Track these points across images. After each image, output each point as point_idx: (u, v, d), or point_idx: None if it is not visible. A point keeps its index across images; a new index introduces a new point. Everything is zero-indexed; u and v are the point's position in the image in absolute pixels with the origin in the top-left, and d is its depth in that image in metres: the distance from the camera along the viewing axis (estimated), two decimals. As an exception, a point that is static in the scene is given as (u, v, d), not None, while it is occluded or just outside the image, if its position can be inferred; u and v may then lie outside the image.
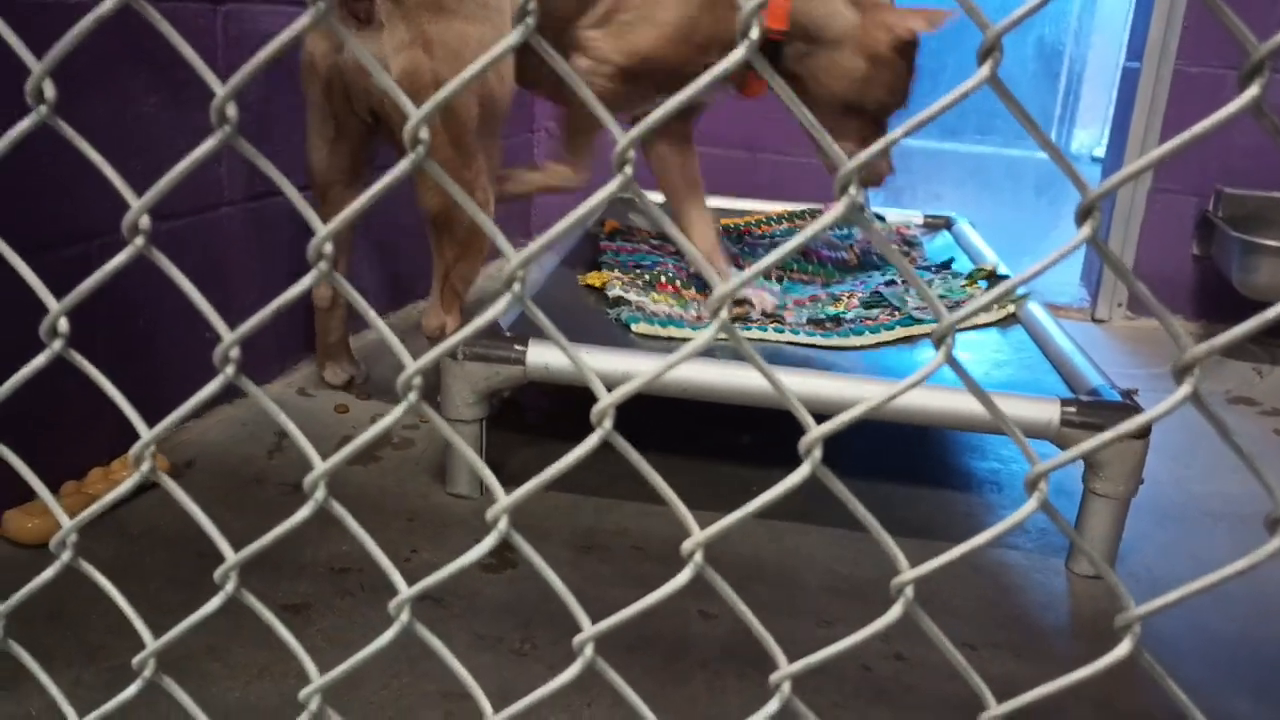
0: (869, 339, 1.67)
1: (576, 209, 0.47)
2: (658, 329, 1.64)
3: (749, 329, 1.66)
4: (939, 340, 0.46)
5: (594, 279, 1.87)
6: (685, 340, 1.62)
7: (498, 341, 1.48)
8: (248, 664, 1.11)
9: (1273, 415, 2.13)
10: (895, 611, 0.48)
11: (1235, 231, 2.40)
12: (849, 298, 1.86)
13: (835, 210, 0.46)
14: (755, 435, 1.83)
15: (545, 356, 1.47)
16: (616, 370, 1.44)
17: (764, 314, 1.76)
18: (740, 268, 2.02)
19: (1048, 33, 3.01)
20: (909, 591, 0.47)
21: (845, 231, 2.38)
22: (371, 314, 0.51)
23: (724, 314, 0.46)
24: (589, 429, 0.48)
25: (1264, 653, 1.28)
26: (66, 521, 0.58)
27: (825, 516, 1.51)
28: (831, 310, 1.79)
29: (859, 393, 1.41)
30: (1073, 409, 1.39)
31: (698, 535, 0.49)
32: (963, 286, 1.94)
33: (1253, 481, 1.69)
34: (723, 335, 0.47)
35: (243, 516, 1.43)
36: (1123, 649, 0.47)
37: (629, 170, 0.46)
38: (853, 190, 0.45)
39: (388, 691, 1.08)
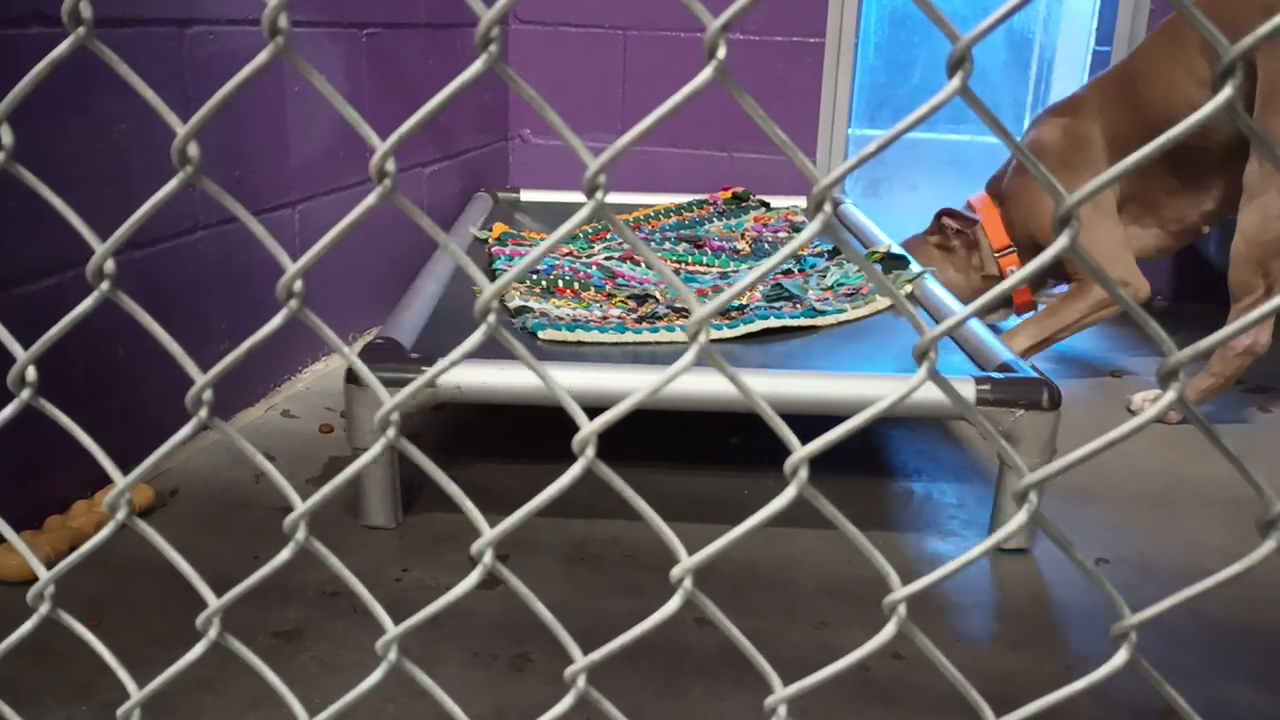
0: (774, 323, 1.67)
1: (550, 235, 0.46)
2: (565, 334, 1.60)
3: (656, 330, 1.63)
4: (921, 355, 0.46)
5: None
6: (595, 344, 1.59)
7: (404, 364, 1.41)
8: (241, 695, 1.10)
9: (1256, 392, 2.14)
10: (889, 630, 0.47)
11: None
12: (749, 290, 1.84)
13: (811, 227, 0.45)
14: (743, 437, 1.82)
15: (456, 376, 1.40)
16: (573, 387, 1.40)
17: (671, 309, 1.73)
18: (636, 263, 2.00)
19: (1017, 22, 3.02)
20: (902, 610, 0.47)
21: (737, 221, 2.37)
22: (345, 349, 0.50)
23: (703, 338, 0.45)
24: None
25: (1262, 639, 1.28)
26: (43, 572, 0.57)
27: (817, 520, 1.51)
28: (735, 302, 1.78)
29: (829, 391, 1.40)
30: (987, 386, 1.39)
31: (686, 562, 0.48)
32: (857, 271, 1.92)
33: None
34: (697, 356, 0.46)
35: (230, 543, 1.41)
36: (1119, 658, 0.47)
37: (600, 196, 0.45)
38: (827, 207, 0.44)
39: (383, 717, 1.07)
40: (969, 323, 1.66)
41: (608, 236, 2.20)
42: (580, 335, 1.61)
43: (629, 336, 1.61)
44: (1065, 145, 2.11)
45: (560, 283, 1.84)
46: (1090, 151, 2.09)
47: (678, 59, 2.77)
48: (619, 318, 1.69)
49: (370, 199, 0.46)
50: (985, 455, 1.79)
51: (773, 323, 1.67)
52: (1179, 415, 1.92)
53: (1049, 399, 1.39)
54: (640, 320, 1.68)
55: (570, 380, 1.40)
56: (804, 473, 0.47)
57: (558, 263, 1.95)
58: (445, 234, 0.45)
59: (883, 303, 1.80)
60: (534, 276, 1.85)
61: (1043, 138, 2.15)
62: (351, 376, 1.41)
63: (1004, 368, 1.45)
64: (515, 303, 1.73)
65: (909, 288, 1.87)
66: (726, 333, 1.65)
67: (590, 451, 0.48)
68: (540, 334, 1.60)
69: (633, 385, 1.40)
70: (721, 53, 0.43)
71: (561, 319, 1.67)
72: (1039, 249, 2.22)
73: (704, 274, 2.00)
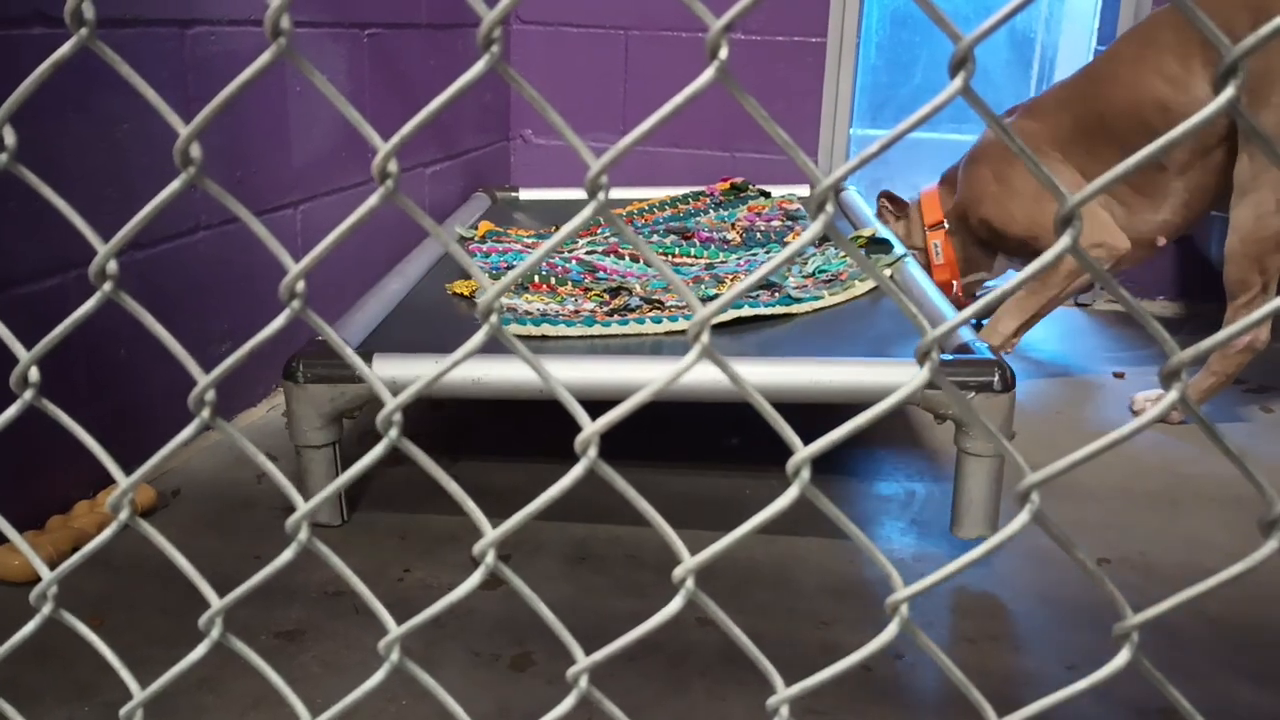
0: (747, 312, 1.67)
1: (553, 235, 0.46)
2: (530, 329, 1.59)
3: (626, 322, 1.62)
4: (923, 355, 0.46)
5: (462, 287, 1.81)
6: (559, 338, 1.58)
7: (340, 361, 1.38)
8: (242, 695, 1.10)
9: (1259, 393, 2.14)
10: (892, 630, 0.47)
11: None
12: (732, 280, 1.84)
13: (813, 229, 0.45)
14: (744, 436, 1.82)
15: (391, 372, 1.38)
16: (573, 380, 1.40)
17: (645, 301, 1.72)
18: (620, 256, 2.00)
19: (1019, 21, 3.02)
20: (904, 610, 0.47)
21: (730, 212, 2.38)
22: (348, 351, 0.50)
23: (704, 339, 0.45)
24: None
25: (1264, 639, 1.28)
26: (46, 572, 0.57)
27: (820, 520, 1.51)
28: (713, 293, 1.77)
29: (803, 378, 1.39)
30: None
31: (688, 562, 0.48)
32: (841, 256, 1.92)
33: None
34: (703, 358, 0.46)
35: (233, 543, 1.42)
36: (1122, 658, 0.47)
37: (602, 196, 0.46)
38: (829, 208, 0.44)
39: (385, 717, 1.07)
40: (933, 302, 1.67)
41: (597, 232, 2.19)
42: (545, 329, 1.59)
43: (597, 330, 1.59)
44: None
45: (535, 278, 1.83)
46: (1038, 145, 2.10)
47: (679, 59, 2.77)
48: (590, 311, 1.69)
49: (372, 199, 0.46)
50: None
51: (746, 311, 1.67)
52: (1181, 415, 1.92)
53: (1001, 381, 1.36)
54: (611, 313, 1.67)
55: (557, 374, 1.40)
56: (806, 473, 0.47)
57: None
58: (446, 235, 0.45)
59: (859, 288, 1.80)
60: (508, 271, 1.84)
61: (994, 136, 2.19)
62: (289, 373, 1.40)
63: (962, 349, 1.43)
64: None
65: (888, 271, 1.87)
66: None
67: (592, 452, 0.48)
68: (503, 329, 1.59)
69: (606, 378, 1.40)
70: (724, 53, 0.43)
71: (530, 314, 1.66)
72: (983, 233, 2.28)
73: (690, 265, 2.00)
